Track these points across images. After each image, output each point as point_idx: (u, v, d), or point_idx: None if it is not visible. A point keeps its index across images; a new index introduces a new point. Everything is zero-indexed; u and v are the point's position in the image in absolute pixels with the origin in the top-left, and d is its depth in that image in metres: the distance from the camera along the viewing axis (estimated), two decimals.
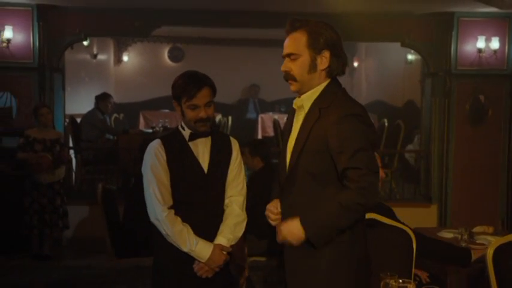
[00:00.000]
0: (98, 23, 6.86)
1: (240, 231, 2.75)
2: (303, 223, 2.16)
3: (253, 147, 4.85)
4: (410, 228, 3.07)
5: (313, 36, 2.24)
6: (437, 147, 6.95)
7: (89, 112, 8.18)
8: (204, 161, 2.70)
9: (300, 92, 2.31)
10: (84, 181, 7.63)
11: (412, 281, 2.14)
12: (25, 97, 6.62)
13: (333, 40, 2.26)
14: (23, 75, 6.59)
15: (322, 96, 2.26)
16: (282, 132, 2.43)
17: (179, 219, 2.64)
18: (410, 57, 9.56)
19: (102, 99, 8.14)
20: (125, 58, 11.85)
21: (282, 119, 8.91)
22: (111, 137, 8.27)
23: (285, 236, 2.21)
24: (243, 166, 2.79)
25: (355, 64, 12.28)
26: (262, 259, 4.72)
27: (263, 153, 4.82)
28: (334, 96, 2.25)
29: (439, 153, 6.93)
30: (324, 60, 2.25)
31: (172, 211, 2.65)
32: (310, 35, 2.25)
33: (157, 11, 6.79)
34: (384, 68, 11.03)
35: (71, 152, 7.29)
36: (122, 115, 10.18)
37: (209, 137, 2.73)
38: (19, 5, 6.39)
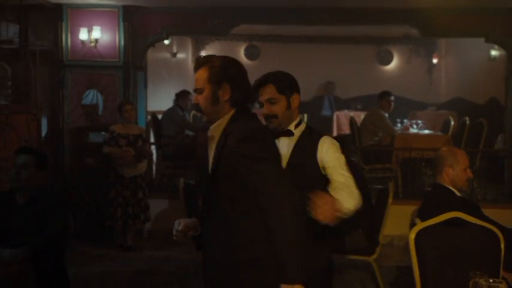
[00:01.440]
0: (179, 22, 7.07)
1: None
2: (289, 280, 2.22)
3: None
4: (497, 224, 2.99)
5: (212, 72, 2.42)
6: None
7: (170, 109, 8.44)
8: (284, 160, 2.68)
9: (211, 123, 2.47)
10: (164, 175, 7.88)
11: (502, 280, 2.08)
12: (111, 94, 6.92)
13: (233, 73, 2.43)
14: (109, 74, 6.89)
15: (228, 125, 2.41)
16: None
17: None
18: (494, 53, 9.20)
19: (181, 96, 8.39)
20: None
21: (359, 116, 8.83)
22: (190, 132, 8.49)
23: None
24: (339, 163, 2.75)
25: (435, 61, 11.96)
26: (340, 256, 4.71)
27: (343, 148, 4.75)
28: (237, 123, 2.39)
29: None
30: (225, 92, 2.41)
31: None
32: (210, 71, 2.42)
33: (236, 9, 6.90)
34: (465, 64, 10.68)
35: (152, 147, 7.55)
36: (199, 113, 10.41)
37: (294, 137, 2.75)
38: (106, 6, 6.69)
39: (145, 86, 7.43)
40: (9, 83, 6.70)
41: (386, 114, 7.77)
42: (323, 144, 2.75)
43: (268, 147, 2.36)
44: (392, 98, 7.73)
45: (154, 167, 7.77)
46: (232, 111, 2.44)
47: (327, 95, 11.82)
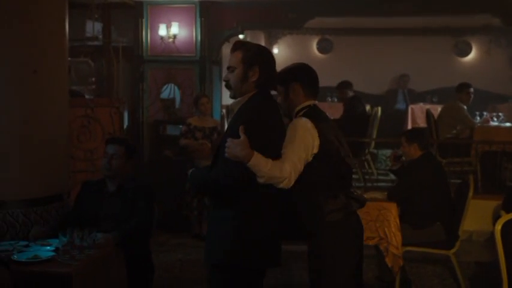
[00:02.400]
0: (254, 16, 7.18)
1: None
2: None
3: (409, 135, 4.78)
4: None
5: (247, 54, 2.76)
6: None
7: None
8: None
9: (235, 98, 2.80)
10: None
11: None
12: (187, 88, 7.13)
13: (264, 59, 2.78)
14: (186, 68, 7.10)
15: (247, 102, 2.74)
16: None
17: None
18: None
19: None
20: (275, 51, 12.17)
21: (435, 109, 8.61)
22: None
23: None
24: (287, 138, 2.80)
25: None
26: (417, 249, 4.65)
27: (420, 141, 4.71)
28: (253, 102, 2.72)
29: None
30: (254, 74, 2.74)
31: None
32: (245, 53, 2.76)
33: (310, 2, 6.93)
34: None
35: None
36: None
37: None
38: (184, 2, 6.91)
39: (221, 80, 7.59)
40: (93, 78, 7.04)
41: (465, 107, 7.56)
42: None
43: (260, 130, 2.61)
44: (471, 90, 7.51)
45: None
46: (254, 92, 2.75)
47: (401, 88, 11.60)
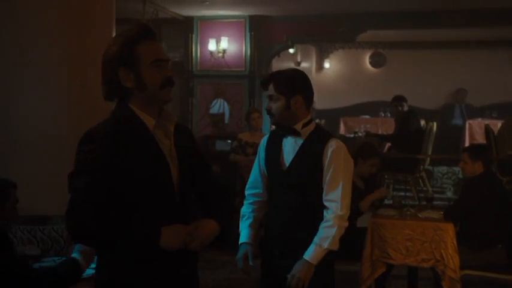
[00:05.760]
0: (304, 30, 7.10)
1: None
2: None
3: (474, 152, 4.53)
4: None
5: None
6: None
7: None
8: (288, 159, 2.80)
9: None
10: None
11: None
12: (237, 103, 7.08)
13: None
14: (235, 83, 7.07)
15: None
16: None
17: None
18: None
19: None
20: (326, 65, 12.03)
21: (495, 125, 8.25)
22: None
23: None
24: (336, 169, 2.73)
25: None
26: (477, 273, 4.37)
27: (485, 158, 4.48)
28: None
29: None
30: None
31: None
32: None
33: (362, 15, 6.79)
34: None
35: None
36: (323, 121, 10.34)
37: (302, 136, 2.79)
38: (234, 17, 6.89)
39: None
40: None
41: None
42: (329, 146, 2.74)
43: None
44: None
45: None
46: None
47: (458, 102, 11.22)
